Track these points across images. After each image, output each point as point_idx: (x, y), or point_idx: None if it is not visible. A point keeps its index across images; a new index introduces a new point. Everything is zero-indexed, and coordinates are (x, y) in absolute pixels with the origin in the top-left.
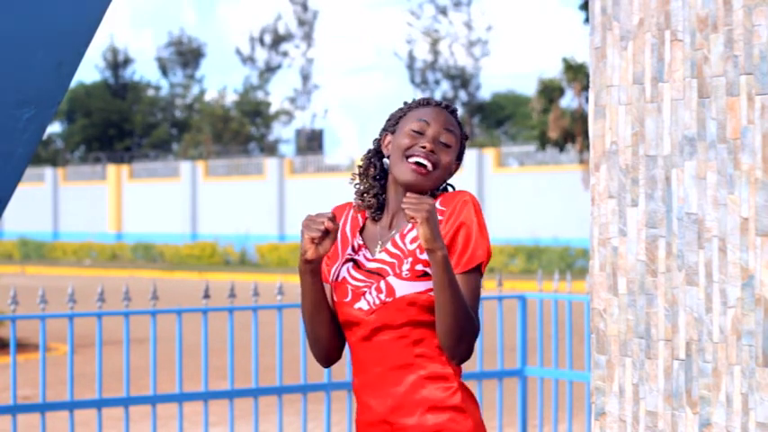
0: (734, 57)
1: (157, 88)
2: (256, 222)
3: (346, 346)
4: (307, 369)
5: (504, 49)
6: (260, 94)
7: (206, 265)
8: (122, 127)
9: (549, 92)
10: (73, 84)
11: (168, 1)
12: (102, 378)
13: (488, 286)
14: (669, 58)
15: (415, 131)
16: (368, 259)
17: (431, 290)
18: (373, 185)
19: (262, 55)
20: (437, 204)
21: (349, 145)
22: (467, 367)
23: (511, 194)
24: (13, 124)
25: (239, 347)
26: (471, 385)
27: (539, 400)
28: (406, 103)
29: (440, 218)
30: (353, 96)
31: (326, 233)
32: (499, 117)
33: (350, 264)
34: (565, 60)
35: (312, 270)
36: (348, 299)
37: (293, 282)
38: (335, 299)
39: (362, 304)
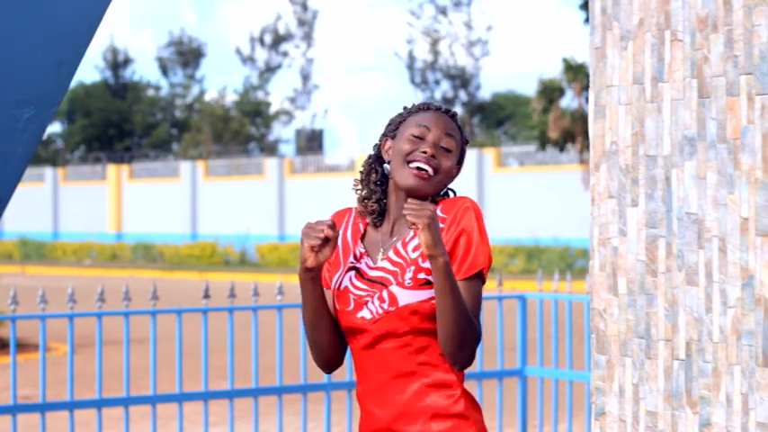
0: (734, 57)
1: (157, 88)
2: (256, 222)
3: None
4: (307, 369)
5: (504, 49)
6: (260, 94)
7: (206, 265)
8: (122, 127)
9: (549, 92)
10: (73, 84)
11: (168, 1)
12: (102, 378)
13: (488, 286)
14: (669, 58)
15: (415, 136)
16: (370, 267)
17: (433, 298)
18: (375, 191)
19: (262, 55)
20: (438, 211)
21: (349, 145)
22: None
23: (511, 194)
24: (13, 124)
25: (239, 347)
26: (471, 385)
27: (539, 400)
28: (405, 108)
29: (441, 225)
30: (353, 96)
31: (326, 241)
32: (499, 117)
33: (352, 272)
34: (565, 60)
35: (313, 278)
36: (350, 308)
37: (293, 282)
38: (338, 307)
39: (365, 313)
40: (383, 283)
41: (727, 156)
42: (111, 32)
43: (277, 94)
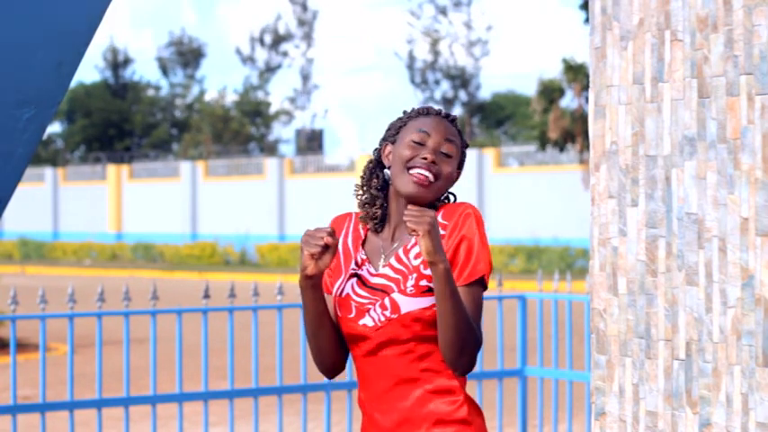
0: (734, 57)
1: (157, 88)
2: (256, 222)
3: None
4: (307, 369)
5: (504, 49)
6: (260, 94)
7: (206, 265)
8: (122, 127)
9: (550, 92)
10: (73, 84)
11: (168, 1)
12: (102, 378)
13: (488, 286)
14: (669, 58)
15: (415, 142)
16: (371, 274)
17: (435, 305)
18: (377, 196)
19: (262, 55)
20: (439, 217)
21: (349, 145)
22: None
23: (511, 194)
24: (13, 124)
25: (239, 347)
26: (471, 385)
27: (539, 400)
28: (405, 112)
29: (442, 232)
30: (353, 96)
31: (326, 248)
32: (499, 117)
33: (353, 279)
34: (565, 61)
35: (313, 285)
36: (352, 315)
37: (293, 282)
38: (339, 314)
39: (367, 321)
40: (385, 291)
41: (727, 156)
42: (111, 32)
43: (277, 94)
